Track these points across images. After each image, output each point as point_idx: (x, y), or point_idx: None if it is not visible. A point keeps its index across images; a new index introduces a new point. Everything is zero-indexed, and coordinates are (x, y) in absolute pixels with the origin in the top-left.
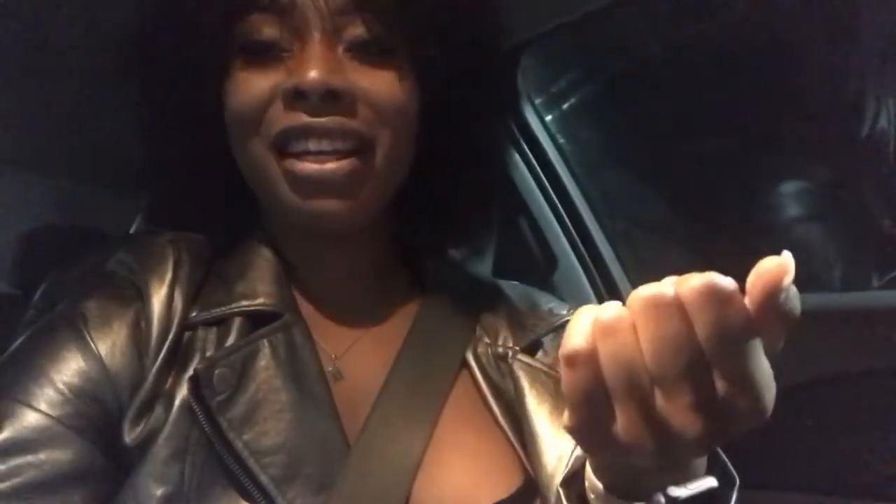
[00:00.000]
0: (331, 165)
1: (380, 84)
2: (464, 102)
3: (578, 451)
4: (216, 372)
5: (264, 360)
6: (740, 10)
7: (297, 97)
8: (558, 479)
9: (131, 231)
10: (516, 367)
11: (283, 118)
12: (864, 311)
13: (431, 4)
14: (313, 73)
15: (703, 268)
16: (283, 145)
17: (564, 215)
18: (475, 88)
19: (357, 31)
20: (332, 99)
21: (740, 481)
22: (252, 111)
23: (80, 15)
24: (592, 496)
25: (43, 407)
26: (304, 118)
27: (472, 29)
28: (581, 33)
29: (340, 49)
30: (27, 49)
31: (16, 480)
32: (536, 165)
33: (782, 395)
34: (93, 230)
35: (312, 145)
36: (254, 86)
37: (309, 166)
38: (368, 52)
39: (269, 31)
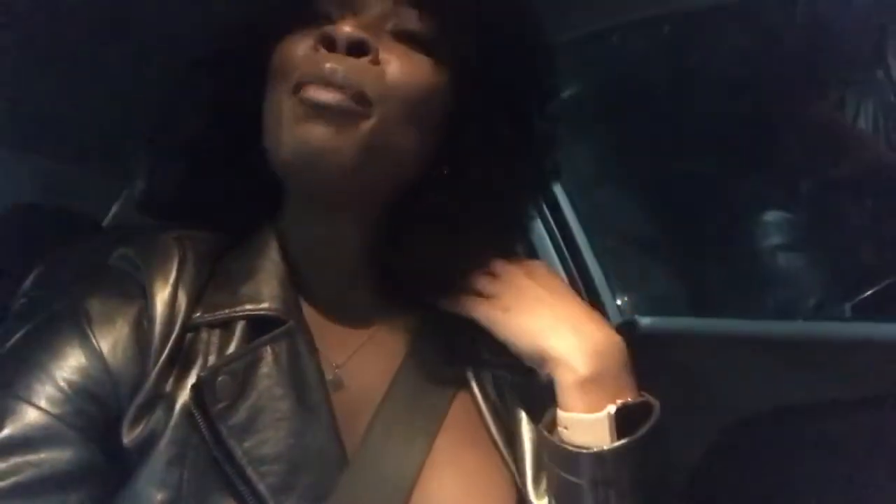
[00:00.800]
0: (331, 94)
1: (408, 64)
2: (498, 112)
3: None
4: (219, 380)
5: (266, 367)
6: (737, 40)
7: (325, 42)
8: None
9: (110, 214)
10: (515, 388)
11: (306, 64)
12: (835, 340)
13: (481, 8)
14: (347, 27)
15: (683, 284)
16: (297, 90)
17: (556, 230)
18: (513, 99)
19: (408, 21)
20: (357, 52)
21: None
22: (286, 62)
23: None
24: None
25: (43, 404)
26: (324, 64)
27: (518, 42)
28: (576, 50)
29: (386, 30)
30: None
31: (15, 479)
32: None
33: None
34: (73, 209)
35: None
36: (296, 42)
37: (309, 90)
38: (411, 41)
39: (326, 9)
